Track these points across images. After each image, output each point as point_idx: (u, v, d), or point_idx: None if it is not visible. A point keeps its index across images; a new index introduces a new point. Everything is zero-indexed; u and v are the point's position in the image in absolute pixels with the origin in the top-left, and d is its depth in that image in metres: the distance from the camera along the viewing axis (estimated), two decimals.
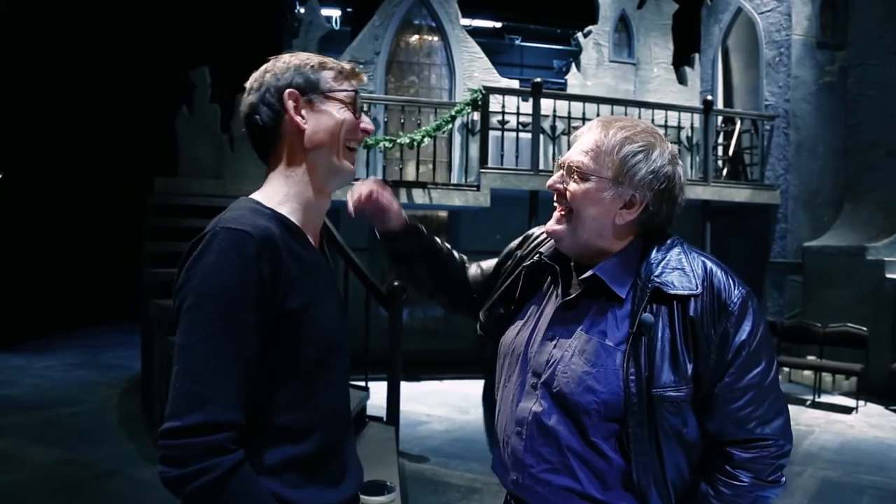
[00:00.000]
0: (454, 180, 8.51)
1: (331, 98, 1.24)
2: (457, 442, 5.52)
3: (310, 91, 1.23)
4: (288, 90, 1.22)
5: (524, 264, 1.47)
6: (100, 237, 11.09)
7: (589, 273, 1.30)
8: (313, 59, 1.27)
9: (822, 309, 7.92)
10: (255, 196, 1.23)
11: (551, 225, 1.36)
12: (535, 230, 1.56)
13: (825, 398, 7.25)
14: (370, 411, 4.85)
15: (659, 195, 1.30)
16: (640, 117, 8.47)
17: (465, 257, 1.69)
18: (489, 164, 7.83)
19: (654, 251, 1.31)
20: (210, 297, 1.04)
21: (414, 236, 1.57)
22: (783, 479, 1.29)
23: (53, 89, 10.23)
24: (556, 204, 1.36)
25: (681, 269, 1.28)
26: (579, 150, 1.33)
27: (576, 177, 1.31)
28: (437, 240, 1.65)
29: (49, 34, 10.09)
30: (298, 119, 1.22)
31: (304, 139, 1.23)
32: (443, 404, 6.60)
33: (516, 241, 1.59)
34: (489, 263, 1.64)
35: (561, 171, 1.35)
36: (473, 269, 1.66)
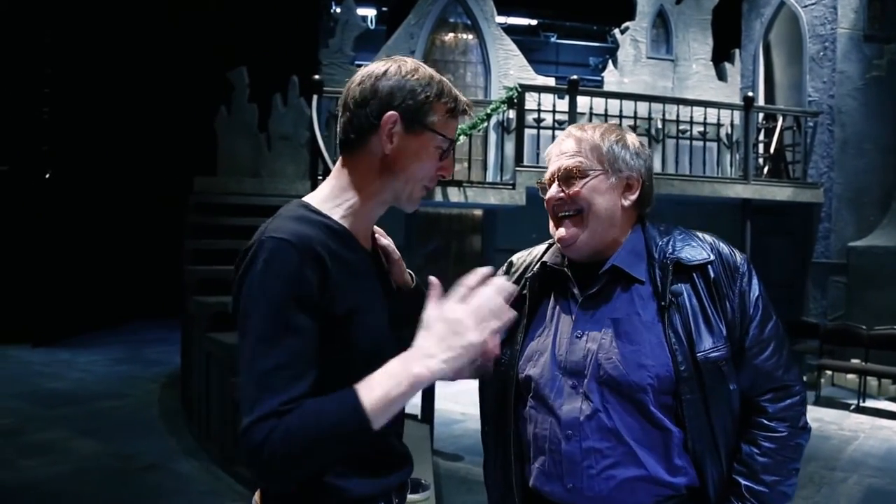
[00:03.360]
0: (489, 178, 8.48)
1: (427, 134, 1.22)
2: None
3: (413, 119, 1.21)
4: (390, 113, 1.19)
5: (526, 276, 1.49)
6: (142, 235, 11.34)
7: (608, 265, 1.37)
8: (434, 84, 1.22)
9: (868, 311, 7.69)
10: (310, 197, 1.25)
11: (562, 232, 1.40)
12: (514, 258, 1.59)
13: (870, 403, 7.04)
14: (405, 409, 4.86)
15: (647, 171, 1.44)
16: (678, 114, 8.39)
17: None
18: (525, 163, 7.78)
19: (658, 237, 1.42)
20: (256, 306, 1.08)
21: (422, 297, 1.47)
22: (809, 425, 1.39)
23: (96, 91, 10.48)
24: (558, 215, 1.41)
25: (689, 244, 1.39)
26: (566, 156, 1.41)
27: (576, 178, 1.39)
28: None
29: (92, 37, 10.34)
30: (386, 143, 1.20)
31: (383, 161, 1.22)
32: (477, 403, 6.56)
33: (500, 272, 1.57)
34: None
35: (555, 184, 1.41)
36: None
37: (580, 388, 1.32)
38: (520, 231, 8.99)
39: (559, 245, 1.43)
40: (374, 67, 1.23)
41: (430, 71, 1.25)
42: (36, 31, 9.33)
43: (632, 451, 1.29)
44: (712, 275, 1.35)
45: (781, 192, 8.49)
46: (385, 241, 1.39)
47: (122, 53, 10.84)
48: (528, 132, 7.98)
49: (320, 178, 5.71)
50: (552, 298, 1.46)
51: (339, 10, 9.19)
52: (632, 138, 1.45)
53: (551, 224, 1.44)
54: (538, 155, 7.92)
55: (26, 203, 9.38)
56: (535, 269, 1.49)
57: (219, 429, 4.72)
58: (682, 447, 1.30)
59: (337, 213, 1.22)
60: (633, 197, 1.41)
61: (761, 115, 9.29)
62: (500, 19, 9.72)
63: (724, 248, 1.40)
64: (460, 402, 6.54)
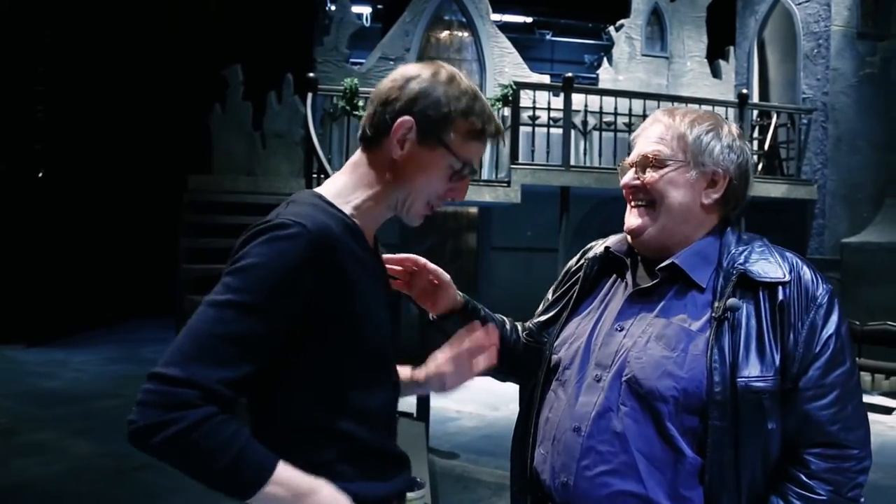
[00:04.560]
0: (484, 176, 8.47)
1: (440, 150, 1.16)
2: (487, 438, 5.52)
3: (429, 131, 1.15)
4: (405, 118, 1.14)
5: (587, 256, 1.43)
6: (136, 234, 11.30)
7: (668, 262, 1.26)
8: (464, 99, 1.16)
9: (861, 307, 7.72)
10: (323, 189, 1.21)
11: (632, 221, 1.31)
12: (598, 241, 1.50)
13: (864, 398, 7.07)
14: (400, 407, 4.81)
15: (738, 168, 1.29)
16: None
17: (518, 325, 1.56)
18: (520, 160, 7.79)
19: (735, 244, 1.28)
20: (245, 278, 1.03)
21: (472, 316, 1.43)
22: (863, 499, 1.19)
23: (89, 89, 10.44)
24: (632, 202, 1.33)
25: (765, 259, 1.24)
26: (649, 141, 1.31)
27: (653, 166, 1.29)
28: (497, 317, 1.53)
29: (85, 34, 10.29)
30: (396, 148, 1.15)
31: (392, 166, 1.17)
32: (473, 401, 6.60)
33: (574, 260, 1.52)
34: (542, 309, 1.53)
35: (632, 169, 1.33)
36: (524, 330, 1.54)
37: (602, 382, 1.24)
38: (515, 229, 9.04)
39: (627, 234, 1.35)
40: (412, 68, 1.19)
41: (466, 85, 1.18)
42: (29, 30, 9.28)
43: (634, 463, 1.17)
44: (781, 297, 1.19)
45: (776, 189, 8.52)
46: (432, 266, 1.37)
47: (115, 51, 10.79)
48: (523, 130, 7.98)
49: (315, 175, 5.71)
50: (608, 284, 1.39)
51: (333, 7, 9.16)
52: (728, 129, 1.31)
53: (627, 210, 1.34)
54: (533, 153, 7.92)
55: (19, 202, 9.33)
56: (598, 252, 1.42)
57: None
58: (694, 477, 1.16)
59: (347, 209, 1.18)
60: (716, 195, 1.28)
61: (756, 113, 9.31)
62: (496, 17, 9.70)
63: (808, 273, 1.23)
64: (455, 400, 6.55)
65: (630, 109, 8.01)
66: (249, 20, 11.19)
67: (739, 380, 1.14)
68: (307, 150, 6.08)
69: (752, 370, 1.15)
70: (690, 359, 1.17)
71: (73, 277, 9.97)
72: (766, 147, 9.25)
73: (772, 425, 1.16)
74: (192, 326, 1.02)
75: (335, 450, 1.13)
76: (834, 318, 1.19)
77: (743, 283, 1.21)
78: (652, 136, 1.31)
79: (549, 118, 8.00)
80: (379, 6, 13.23)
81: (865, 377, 7.30)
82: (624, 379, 1.21)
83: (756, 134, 9.44)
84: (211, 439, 0.96)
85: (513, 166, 7.67)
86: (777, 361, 1.16)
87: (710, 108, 8.30)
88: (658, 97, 8.56)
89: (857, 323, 7.18)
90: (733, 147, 1.29)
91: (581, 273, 1.42)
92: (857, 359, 6.78)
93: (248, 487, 0.99)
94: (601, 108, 8.11)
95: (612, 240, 1.43)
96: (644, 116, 8.36)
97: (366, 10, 13.43)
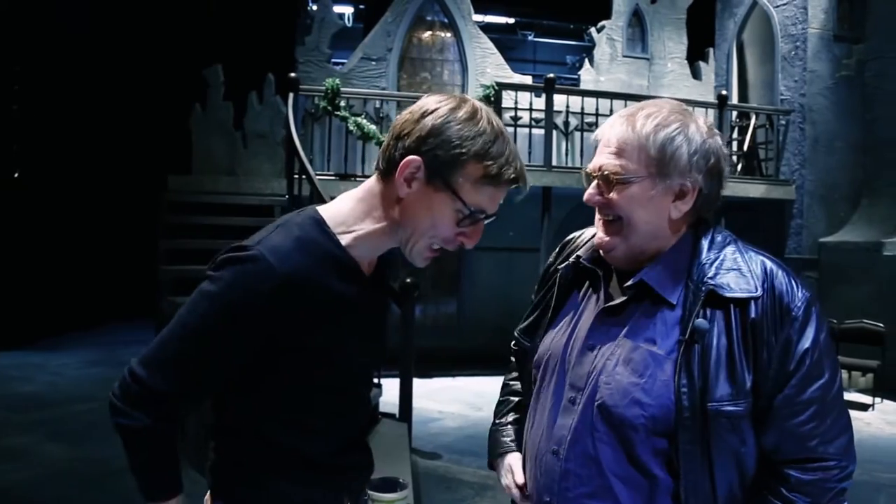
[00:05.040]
0: None
1: (447, 194, 1.10)
2: (470, 439, 5.52)
3: (437, 172, 1.08)
4: (412, 158, 1.08)
5: (559, 267, 1.37)
6: (115, 234, 11.17)
7: (636, 279, 1.20)
8: (479, 140, 1.08)
9: (839, 305, 7.83)
10: (329, 210, 1.18)
11: (600, 237, 1.25)
12: (573, 235, 1.45)
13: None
14: (383, 408, 4.85)
15: (708, 174, 1.19)
16: None
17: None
18: None
19: (706, 250, 1.20)
20: (211, 305, 1.09)
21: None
22: (846, 503, 1.17)
23: (67, 88, 10.30)
24: (598, 214, 1.25)
25: (737, 270, 1.17)
26: (608, 152, 1.21)
27: (615, 184, 1.19)
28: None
29: (63, 33, 10.16)
30: (402, 186, 1.10)
31: (398, 202, 1.12)
32: (455, 401, 6.60)
33: (552, 255, 1.46)
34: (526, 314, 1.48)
35: (595, 181, 1.23)
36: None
37: (576, 405, 1.21)
38: (497, 229, 9.01)
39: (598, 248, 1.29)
40: (433, 101, 1.12)
41: (486, 124, 1.09)
42: (5, 28, 9.13)
43: (610, 486, 1.16)
44: (752, 314, 1.13)
45: (754, 189, 8.62)
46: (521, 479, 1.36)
47: (94, 50, 10.65)
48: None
49: (296, 176, 5.68)
50: (581, 294, 1.32)
51: (315, 7, 9.12)
52: (695, 128, 1.19)
53: (596, 220, 1.27)
54: None
55: None
56: (569, 260, 1.35)
57: (194, 431, 4.67)
58: (670, 497, 1.15)
59: (346, 238, 1.15)
60: (686, 207, 1.19)
61: (735, 114, 9.41)
62: (478, 17, 9.71)
63: (783, 282, 1.16)
64: (438, 400, 6.54)
65: (611, 110, 8.04)
66: (231, 20, 11.10)
67: (710, 405, 1.11)
68: (288, 150, 6.04)
69: (722, 393, 1.11)
70: (659, 385, 1.13)
71: (50, 279, 9.83)
72: (745, 148, 9.35)
73: (745, 447, 1.14)
74: (165, 335, 1.12)
75: (288, 462, 1.18)
76: (810, 330, 1.14)
77: (712, 300, 1.15)
78: (612, 143, 1.21)
79: (531, 119, 8.02)
80: (361, 6, 13.20)
81: (843, 374, 7.40)
82: (595, 404, 1.18)
83: (735, 135, 9.54)
84: (138, 448, 1.17)
85: None
86: (749, 383, 1.12)
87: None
88: (639, 98, 8.61)
89: (835, 321, 7.29)
90: (701, 150, 1.18)
91: (557, 279, 1.37)
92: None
93: (148, 499, 1.23)
94: (583, 108, 8.14)
95: (587, 235, 1.38)
96: None
97: (348, 10, 13.38)
